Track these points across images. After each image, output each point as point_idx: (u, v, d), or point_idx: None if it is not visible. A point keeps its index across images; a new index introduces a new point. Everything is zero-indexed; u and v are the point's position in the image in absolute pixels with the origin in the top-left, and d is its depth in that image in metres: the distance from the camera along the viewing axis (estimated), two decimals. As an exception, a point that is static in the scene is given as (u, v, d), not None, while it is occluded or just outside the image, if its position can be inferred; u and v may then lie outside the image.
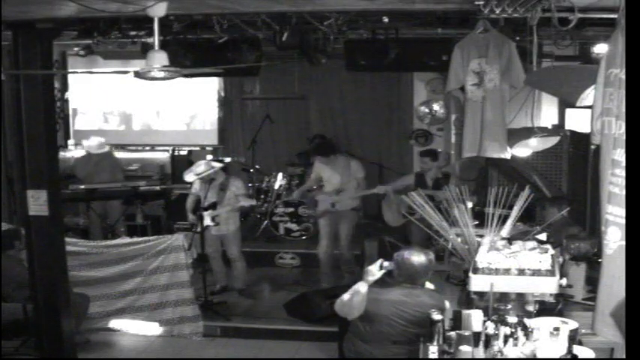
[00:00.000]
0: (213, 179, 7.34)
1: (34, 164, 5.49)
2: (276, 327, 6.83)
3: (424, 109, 10.01)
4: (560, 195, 7.31)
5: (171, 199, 9.21)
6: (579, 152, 7.73)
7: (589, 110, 3.41)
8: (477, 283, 4.00)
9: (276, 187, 9.40)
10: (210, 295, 7.22)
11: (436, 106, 9.95)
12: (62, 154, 9.49)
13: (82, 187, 8.63)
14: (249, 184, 9.37)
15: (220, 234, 7.48)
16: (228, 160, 9.92)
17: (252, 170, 9.77)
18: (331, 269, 7.88)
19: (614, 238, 3.07)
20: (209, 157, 10.23)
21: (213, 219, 7.35)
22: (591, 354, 3.56)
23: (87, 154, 9.01)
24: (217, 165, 7.51)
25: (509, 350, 3.54)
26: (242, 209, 7.94)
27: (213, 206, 7.32)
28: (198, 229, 7.28)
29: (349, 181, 7.73)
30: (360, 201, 8.02)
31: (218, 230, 7.43)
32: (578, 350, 3.51)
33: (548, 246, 4.43)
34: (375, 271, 4.23)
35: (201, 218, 7.23)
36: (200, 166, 7.40)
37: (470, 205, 5.02)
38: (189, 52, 6.54)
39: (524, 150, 5.85)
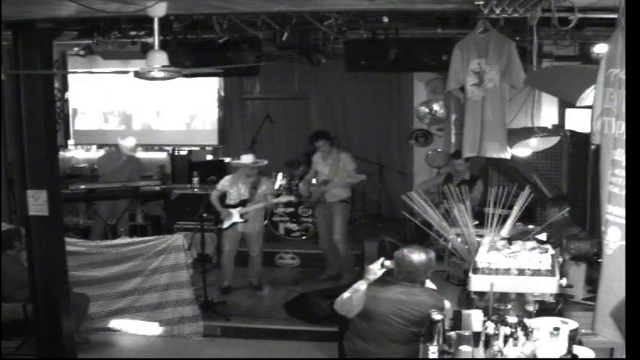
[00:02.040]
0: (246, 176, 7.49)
1: (34, 164, 5.49)
2: (276, 327, 6.83)
3: (424, 109, 10.00)
4: (560, 195, 7.31)
5: (171, 199, 9.21)
6: (579, 152, 7.73)
7: (589, 110, 3.41)
8: (477, 283, 4.00)
9: (276, 187, 9.39)
10: (220, 292, 7.43)
11: (436, 106, 9.95)
12: (62, 154, 9.50)
13: (82, 187, 8.62)
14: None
15: (247, 232, 7.59)
16: (228, 160, 9.92)
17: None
18: (333, 257, 8.10)
19: (614, 238, 3.07)
20: (209, 157, 10.25)
21: (241, 216, 7.46)
22: (591, 354, 3.56)
23: (116, 152, 8.98)
24: (262, 163, 7.66)
25: (509, 350, 3.54)
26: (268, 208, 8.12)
27: (243, 203, 7.46)
28: (224, 226, 7.44)
29: (337, 172, 7.88)
30: (352, 194, 8.21)
31: (245, 227, 7.53)
32: (578, 350, 3.51)
33: (548, 246, 4.43)
34: (376, 269, 4.24)
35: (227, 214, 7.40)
36: (247, 157, 7.56)
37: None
38: (189, 52, 6.54)
39: (524, 150, 5.84)
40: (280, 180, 9.47)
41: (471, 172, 7.90)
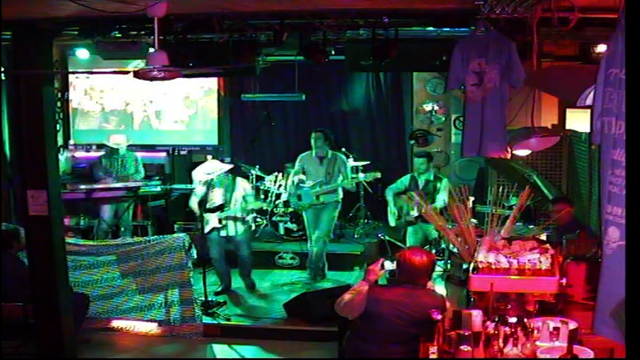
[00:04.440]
0: (213, 181, 7.34)
1: (34, 164, 5.49)
2: (276, 327, 6.84)
3: (424, 109, 10.01)
4: (562, 195, 7.32)
5: (171, 199, 9.20)
6: (579, 152, 7.74)
7: (589, 110, 3.41)
8: (477, 283, 4.00)
9: (276, 187, 9.39)
10: (214, 294, 7.30)
11: (436, 106, 9.95)
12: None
13: (83, 187, 8.63)
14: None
15: (231, 235, 7.46)
16: (228, 160, 9.92)
17: (252, 170, 9.75)
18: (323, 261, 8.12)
19: (614, 238, 3.07)
20: (209, 157, 10.23)
21: (220, 221, 7.33)
22: (591, 354, 3.56)
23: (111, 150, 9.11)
24: (226, 167, 7.53)
25: (509, 350, 3.54)
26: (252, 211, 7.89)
27: (220, 208, 7.31)
28: (205, 231, 7.33)
29: (332, 175, 7.87)
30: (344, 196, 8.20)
31: (226, 232, 7.41)
32: (578, 350, 3.51)
33: (548, 246, 4.43)
34: (376, 270, 4.23)
35: (202, 220, 7.24)
36: (210, 165, 7.45)
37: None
38: (189, 52, 6.53)
39: (524, 150, 5.84)
40: (280, 180, 9.46)
41: (434, 172, 7.89)
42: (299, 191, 8.06)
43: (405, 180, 7.96)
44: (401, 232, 8.83)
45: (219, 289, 7.62)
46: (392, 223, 8.02)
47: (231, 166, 7.70)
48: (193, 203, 7.47)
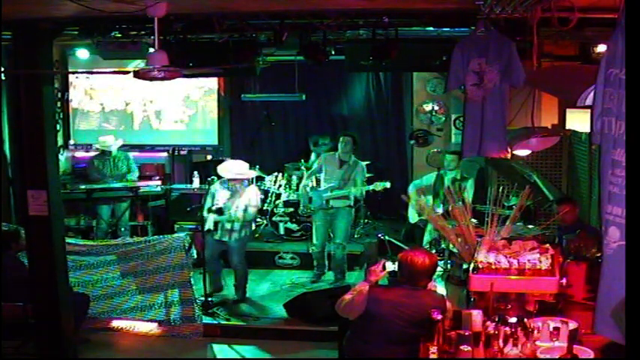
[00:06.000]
0: (231, 185, 7.29)
1: (34, 164, 5.49)
2: (276, 327, 6.84)
3: (424, 109, 10.01)
4: (566, 196, 7.32)
5: (171, 199, 9.20)
6: (579, 152, 7.74)
7: (589, 110, 3.42)
8: (477, 283, 4.01)
9: (276, 187, 9.40)
10: (202, 296, 7.21)
11: (436, 106, 9.96)
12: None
13: (83, 187, 8.63)
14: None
15: (225, 240, 7.31)
16: (228, 160, 9.91)
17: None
18: (324, 261, 8.08)
19: (614, 238, 3.08)
20: (209, 157, 10.24)
21: (216, 224, 7.26)
22: (591, 354, 3.56)
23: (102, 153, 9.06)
24: (253, 173, 7.47)
25: (509, 350, 3.54)
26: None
27: (219, 211, 7.21)
28: (205, 230, 7.30)
29: (348, 180, 7.78)
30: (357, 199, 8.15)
31: (220, 237, 7.31)
32: (578, 350, 3.51)
33: (548, 246, 4.43)
34: (377, 271, 4.23)
35: (202, 219, 7.24)
36: (240, 166, 7.37)
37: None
38: (189, 52, 6.53)
39: (524, 150, 5.85)
40: (280, 180, 9.46)
41: (461, 171, 7.87)
42: (311, 193, 7.99)
43: (430, 177, 7.95)
44: (401, 233, 8.85)
45: (209, 290, 7.50)
46: (413, 219, 7.98)
47: (254, 174, 7.60)
48: (209, 200, 7.33)
